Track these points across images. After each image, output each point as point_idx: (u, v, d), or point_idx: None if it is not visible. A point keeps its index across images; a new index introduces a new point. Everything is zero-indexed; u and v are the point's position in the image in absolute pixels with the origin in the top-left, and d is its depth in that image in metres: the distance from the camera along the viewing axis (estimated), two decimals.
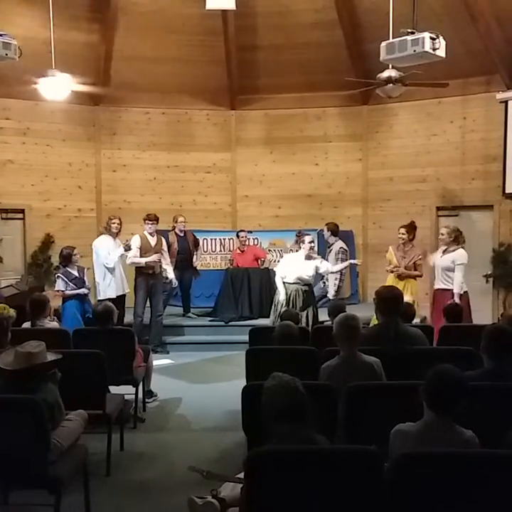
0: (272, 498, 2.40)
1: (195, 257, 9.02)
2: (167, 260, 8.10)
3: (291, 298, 6.81)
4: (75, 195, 10.19)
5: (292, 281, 6.86)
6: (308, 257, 6.94)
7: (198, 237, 9.48)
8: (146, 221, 7.91)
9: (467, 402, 2.67)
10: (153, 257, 7.78)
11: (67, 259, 7.03)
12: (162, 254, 7.99)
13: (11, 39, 5.98)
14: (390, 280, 7.22)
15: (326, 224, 7.88)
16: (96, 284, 7.59)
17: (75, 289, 6.93)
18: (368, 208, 10.50)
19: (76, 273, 7.01)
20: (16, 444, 3.18)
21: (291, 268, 6.89)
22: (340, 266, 7.32)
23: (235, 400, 3.77)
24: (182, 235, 8.84)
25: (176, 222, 8.85)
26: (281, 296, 6.85)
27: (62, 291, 6.92)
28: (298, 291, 6.82)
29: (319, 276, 7.44)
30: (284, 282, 6.89)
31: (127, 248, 7.57)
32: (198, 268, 9.19)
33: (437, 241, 7.73)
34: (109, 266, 7.44)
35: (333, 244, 7.67)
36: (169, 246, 8.53)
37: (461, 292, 6.76)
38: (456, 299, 6.59)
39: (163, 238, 8.18)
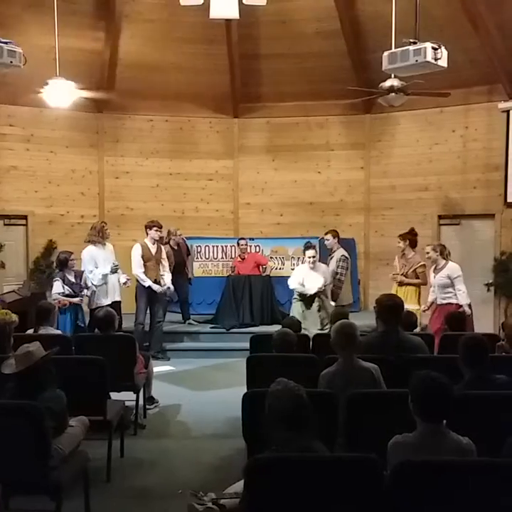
0: (272, 505, 2.41)
1: (187, 263, 9.01)
2: (166, 268, 8.02)
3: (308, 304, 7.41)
4: (77, 201, 10.23)
5: (312, 292, 7.43)
6: (313, 269, 7.48)
7: (198, 244, 9.48)
8: (155, 228, 7.82)
9: (457, 408, 2.68)
10: (159, 288, 7.75)
11: (63, 263, 7.00)
12: (162, 263, 7.96)
13: (15, 47, 6.01)
14: (393, 288, 7.36)
15: (331, 231, 7.89)
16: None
17: (72, 294, 6.92)
18: (370, 216, 10.53)
19: (73, 278, 7.00)
20: (18, 449, 3.20)
21: (307, 279, 7.44)
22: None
23: (235, 407, 3.77)
24: (176, 247, 8.80)
25: (175, 235, 8.78)
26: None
27: (59, 293, 6.87)
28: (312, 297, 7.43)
29: None
30: (303, 294, 7.47)
31: (114, 270, 7.43)
32: (195, 275, 9.18)
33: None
34: (94, 283, 7.25)
35: (335, 251, 7.73)
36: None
37: (468, 302, 6.87)
38: (467, 309, 6.70)
39: (162, 247, 8.16)
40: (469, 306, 6.87)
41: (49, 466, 3.24)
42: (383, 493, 2.37)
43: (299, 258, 9.83)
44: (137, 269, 7.72)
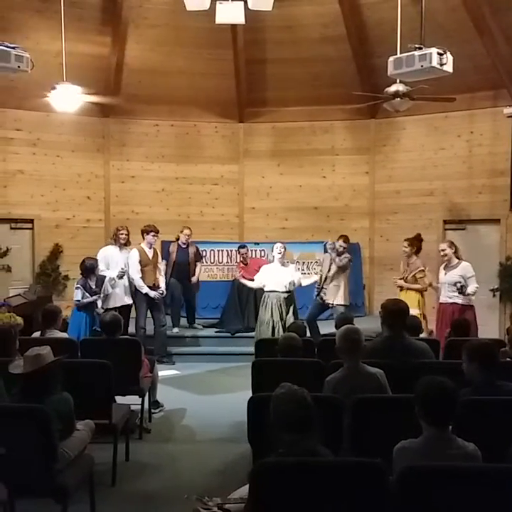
0: (277, 510, 2.41)
1: (197, 269, 9.00)
2: (162, 272, 8.07)
3: (273, 305, 7.18)
4: (83, 205, 10.26)
5: (272, 290, 7.26)
6: (283, 264, 7.41)
7: (203, 249, 9.49)
8: (152, 232, 7.87)
9: (463, 414, 2.68)
10: (156, 294, 7.76)
11: (90, 271, 6.98)
12: (158, 267, 7.99)
13: (23, 52, 6.05)
14: (397, 293, 7.43)
15: (342, 236, 7.90)
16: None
17: (90, 300, 6.93)
18: (375, 221, 10.53)
19: (94, 284, 7.01)
20: (25, 452, 3.21)
21: (270, 277, 7.32)
22: (310, 280, 7.82)
23: (240, 411, 3.78)
24: (184, 246, 8.86)
25: (181, 232, 8.88)
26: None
27: (78, 301, 6.88)
28: (279, 299, 7.20)
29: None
30: (264, 291, 7.36)
31: (121, 276, 7.49)
32: (199, 281, 9.12)
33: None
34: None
35: (343, 254, 7.79)
36: (169, 254, 8.65)
37: (472, 296, 6.94)
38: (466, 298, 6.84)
39: (158, 251, 8.20)
40: (469, 310, 6.92)
41: (55, 470, 3.26)
42: (389, 498, 2.37)
43: (303, 262, 9.84)
44: (135, 274, 7.74)
